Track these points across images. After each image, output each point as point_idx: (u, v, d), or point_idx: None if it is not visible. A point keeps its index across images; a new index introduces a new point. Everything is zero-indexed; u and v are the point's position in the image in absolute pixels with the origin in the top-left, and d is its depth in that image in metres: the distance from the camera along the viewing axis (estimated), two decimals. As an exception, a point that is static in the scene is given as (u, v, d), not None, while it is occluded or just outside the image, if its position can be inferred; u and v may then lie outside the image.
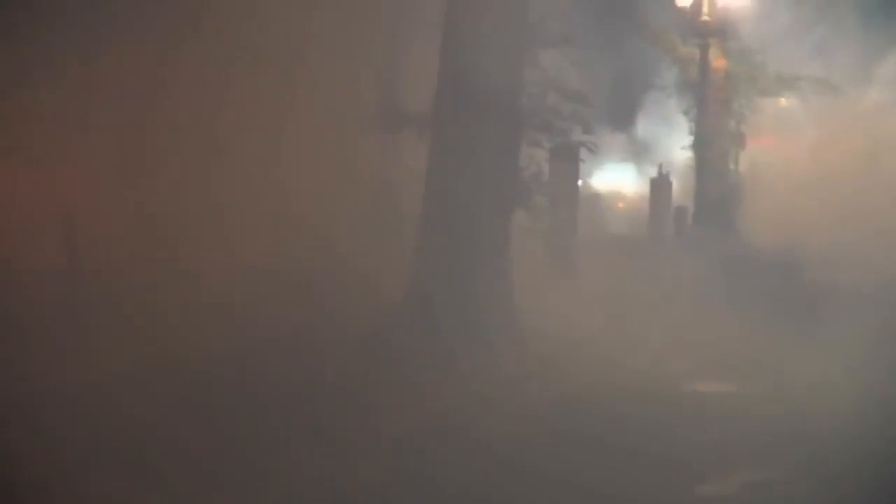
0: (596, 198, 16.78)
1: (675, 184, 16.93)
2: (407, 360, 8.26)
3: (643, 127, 19.81)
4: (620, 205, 18.01)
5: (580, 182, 12.42)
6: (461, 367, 8.23)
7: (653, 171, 17.28)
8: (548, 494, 5.59)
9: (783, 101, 19.42)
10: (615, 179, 19.42)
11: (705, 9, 16.81)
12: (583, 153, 11.33)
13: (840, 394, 7.62)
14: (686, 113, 18.47)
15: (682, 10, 16.97)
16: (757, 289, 12.52)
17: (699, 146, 17.54)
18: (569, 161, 11.38)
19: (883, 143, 19.06)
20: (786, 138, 19.82)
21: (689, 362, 9.01)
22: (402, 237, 9.55)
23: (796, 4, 18.14)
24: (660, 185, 16.14)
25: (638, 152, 19.47)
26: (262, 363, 7.80)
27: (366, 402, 7.09)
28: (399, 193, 9.96)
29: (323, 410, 6.85)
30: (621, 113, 18.90)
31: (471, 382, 7.91)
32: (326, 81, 9.49)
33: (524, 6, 9.71)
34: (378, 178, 10.16)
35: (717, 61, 17.74)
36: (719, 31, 17.21)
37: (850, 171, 18.64)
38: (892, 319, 10.24)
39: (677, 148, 18.43)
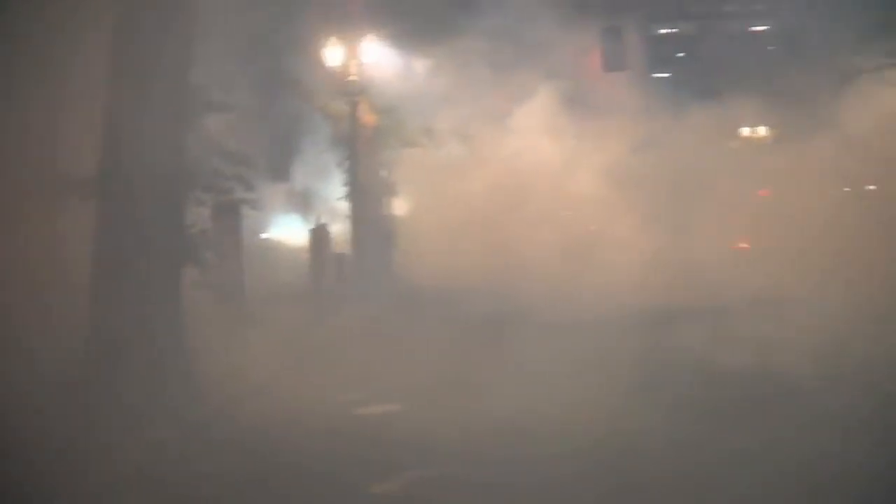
0: (261, 250, 17.69)
1: (334, 232, 18.25)
2: (90, 417, 8.71)
3: (302, 181, 21.11)
4: (285, 255, 19.08)
5: (245, 236, 13.38)
6: (145, 418, 8.83)
7: (312, 222, 18.49)
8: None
9: (427, 151, 21.46)
10: (279, 231, 20.53)
11: (353, 69, 18.47)
12: (246, 209, 12.33)
13: (491, 403, 9.23)
14: (340, 165, 19.94)
15: (332, 71, 18.43)
16: (413, 322, 14.15)
17: (353, 196, 19.10)
18: (232, 217, 12.35)
19: (514, 185, 21.87)
20: (432, 184, 22.05)
21: (356, 392, 10.22)
22: (76, 300, 9.92)
23: (430, 65, 20.46)
24: (319, 235, 17.41)
25: (298, 205, 20.73)
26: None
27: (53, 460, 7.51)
28: (68, 257, 10.30)
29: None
30: (281, 169, 20.05)
31: (156, 430, 8.54)
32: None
33: (185, 74, 10.55)
34: (46, 242, 10.42)
35: (366, 117, 19.51)
36: (366, 89, 18.96)
37: (487, 210, 21.21)
38: (535, 340, 12.31)
39: (334, 199, 19.84)
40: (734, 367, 10.48)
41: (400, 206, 21.09)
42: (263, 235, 19.00)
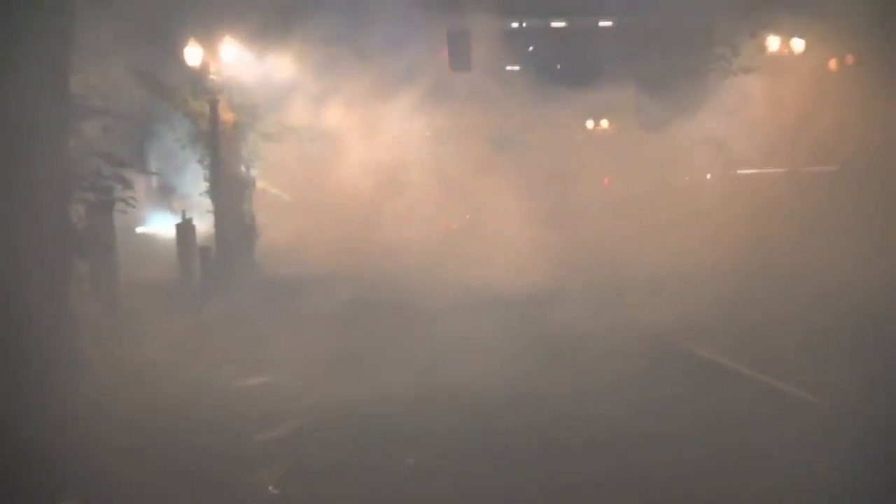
0: (138, 244, 19.04)
1: (199, 227, 19.75)
2: None
3: (169, 177, 22.48)
4: (156, 248, 20.46)
5: (120, 231, 14.89)
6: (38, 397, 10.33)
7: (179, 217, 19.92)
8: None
9: (288, 145, 23.06)
10: (153, 227, 21.87)
11: (213, 68, 19.97)
12: (124, 206, 13.81)
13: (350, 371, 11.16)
14: (200, 161, 21.37)
15: (192, 70, 19.87)
16: (276, 308, 15.99)
17: (214, 191, 20.60)
18: (107, 214, 13.84)
19: (374, 177, 23.85)
20: (293, 178, 23.80)
21: (235, 367, 12.01)
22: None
23: (287, 64, 22.18)
24: (184, 230, 18.88)
25: (166, 202, 22.08)
26: None
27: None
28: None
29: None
30: (150, 166, 21.34)
31: (50, 408, 10.04)
32: None
33: (65, 85, 12.05)
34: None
35: (226, 114, 21.02)
36: (226, 87, 20.49)
37: (350, 202, 23.14)
38: (397, 322, 14.31)
39: (196, 194, 21.28)
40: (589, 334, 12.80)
41: (262, 200, 22.69)
42: (138, 230, 20.26)
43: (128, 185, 13.37)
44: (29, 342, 11.35)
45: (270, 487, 7.64)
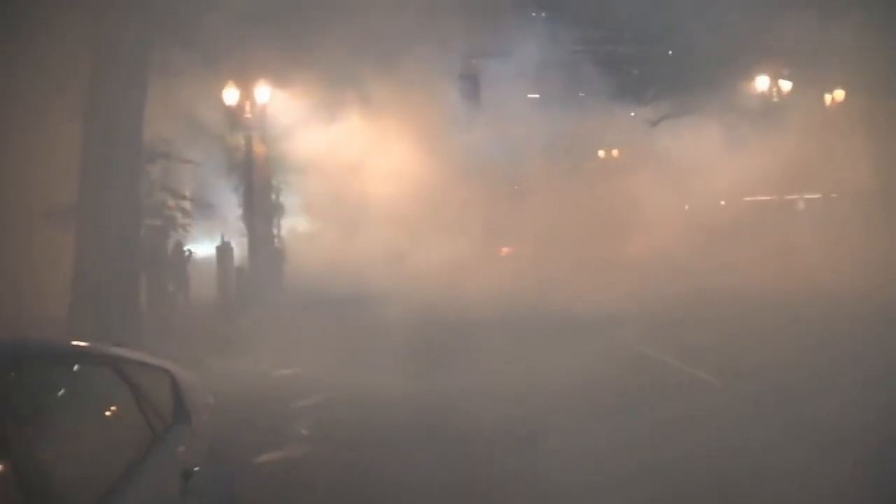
0: (193, 263, 23.26)
1: (236, 249, 23.92)
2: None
3: (212, 203, 26.72)
4: (198, 267, 24.70)
5: (184, 251, 19.00)
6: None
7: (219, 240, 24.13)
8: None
9: (312, 177, 27.18)
10: (205, 248, 26.10)
11: (247, 108, 24.21)
12: (182, 231, 17.98)
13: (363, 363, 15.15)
14: (235, 189, 25.57)
15: (229, 108, 24.10)
16: (306, 319, 20.04)
17: (248, 217, 24.77)
18: (172, 237, 18.01)
19: (392, 205, 27.75)
20: (318, 206, 27.86)
21: (268, 363, 16.07)
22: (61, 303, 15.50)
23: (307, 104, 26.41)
24: (223, 251, 23.08)
25: (211, 227, 26.32)
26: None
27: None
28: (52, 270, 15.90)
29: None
30: (193, 194, 25.57)
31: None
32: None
33: (139, 133, 16.30)
34: (37, 260, 16.01)
35: (259, 147, 25.25)
36: (259, 124, 24.72)
37: (368, 228, 27.04)
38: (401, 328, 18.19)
39: (231, 219, 25.48)
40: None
41: (288, 226, 26.87)
42: (193, 250, 24.45)
43: (186, 214, 17.59)
44: (104, 334, 15.57)
45: (303, 430, 11.68)
